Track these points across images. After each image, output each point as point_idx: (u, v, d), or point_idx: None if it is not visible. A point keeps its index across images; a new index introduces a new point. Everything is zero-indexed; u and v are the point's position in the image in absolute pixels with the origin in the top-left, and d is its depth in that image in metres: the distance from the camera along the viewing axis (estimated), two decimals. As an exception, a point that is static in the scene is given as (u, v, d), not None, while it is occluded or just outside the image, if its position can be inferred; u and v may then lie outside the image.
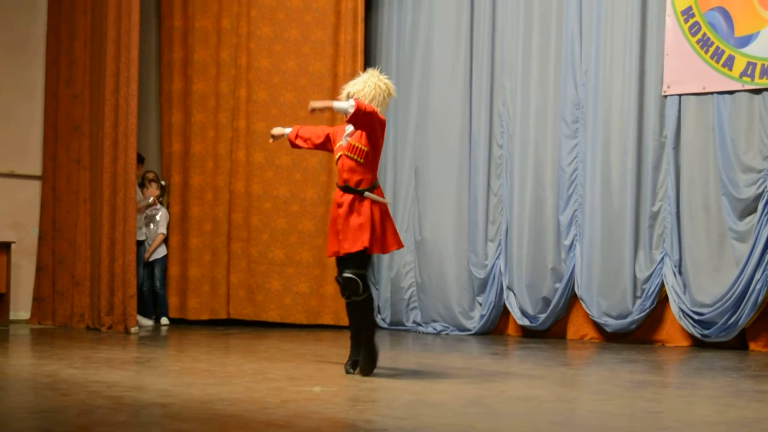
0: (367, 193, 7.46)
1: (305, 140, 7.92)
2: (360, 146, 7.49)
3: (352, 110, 7.26)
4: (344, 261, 7.48)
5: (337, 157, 7.63)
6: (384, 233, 7.50)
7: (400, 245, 7.61)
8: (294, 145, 8.01)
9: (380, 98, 7.59)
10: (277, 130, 8.08)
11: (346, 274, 7.39)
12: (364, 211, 7.44)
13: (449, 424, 5.58)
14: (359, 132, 7.52)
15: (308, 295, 12.30)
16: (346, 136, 7.61)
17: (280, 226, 12.39)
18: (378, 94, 7.57)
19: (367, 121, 7.37)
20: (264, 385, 6.93)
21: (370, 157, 7.53)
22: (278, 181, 12.41)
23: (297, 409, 5.94)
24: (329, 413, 5.83)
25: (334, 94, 12.44)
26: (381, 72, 7.73)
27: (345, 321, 12.18)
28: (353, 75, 12.37)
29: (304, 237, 12.35)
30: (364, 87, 7.56)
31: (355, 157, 7.49)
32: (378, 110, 7.51)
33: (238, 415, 5.61)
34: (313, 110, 7.46)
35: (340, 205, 7.52)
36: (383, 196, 7.61)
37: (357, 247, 7.39)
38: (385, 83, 7.65)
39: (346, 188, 7.52)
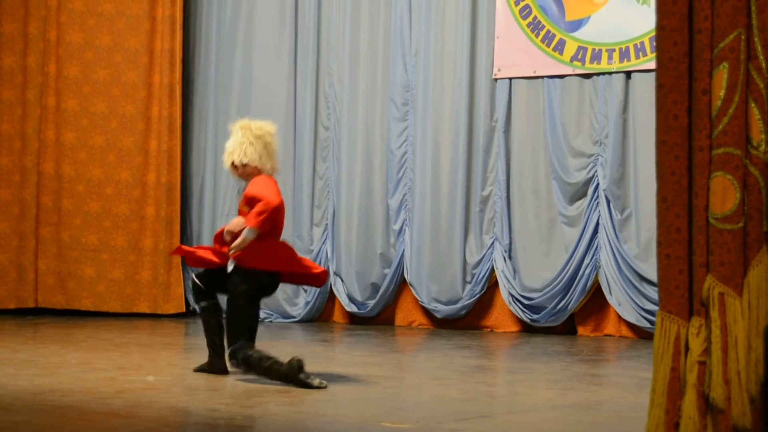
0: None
1: None
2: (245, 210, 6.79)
3: (256, 232, 6.63)
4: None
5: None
6: None
7: None
8: None
9: (259, 147, 6.84)
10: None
11: None
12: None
13: (297, 412, 5.45)
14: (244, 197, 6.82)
15: (123, 282, 11.80)
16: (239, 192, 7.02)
17: (93, 210, 11.83)
18: (254, 144, 6.83)
19: (268, 220, 6.68)
20: (93, 375, 6.60)
21: None
22: (92, 162, 11.84)
23: (135, 399, 5.66)
24: (169, 402, 5.58)
25: (150, 71, 12.00)
26: (251, 119, 7.06)
27: (163, 309, 11.86)
28: (171, 52, 12.05)
29: (119, 221, 11.83)
30: (237, 147, 6.83)
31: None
32: (258, 162, 6.83)
33: (74, 407, 5.30)
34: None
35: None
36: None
37: None
38: (256, 128, 6.92)
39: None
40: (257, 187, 6.75)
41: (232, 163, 6.88)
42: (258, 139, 6.87)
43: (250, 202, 6.71)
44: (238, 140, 6.89)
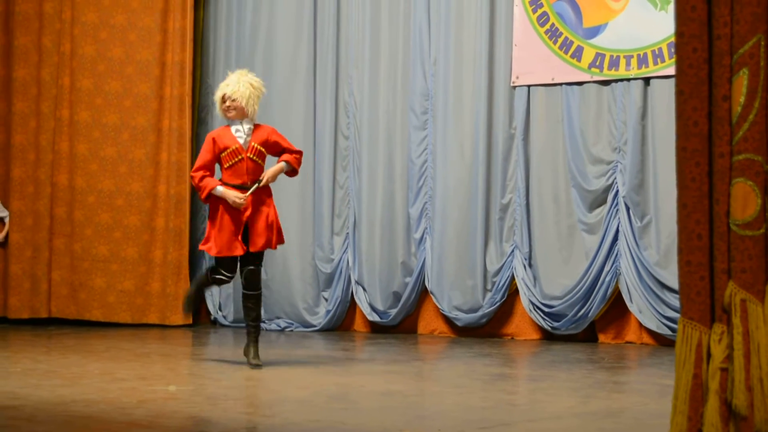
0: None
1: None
2: (263, 150, 7.83)
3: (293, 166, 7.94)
4: (254, 256, 7.75)
5: (237, 159, 7.74)
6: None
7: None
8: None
9: (255, 97, 7.77)
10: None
11: (253, 268, 7.76)
12: (273, 210, 7.79)
13: (318, 421, 5.44)
14: (260, 133, 7.83)
15: (133, 293, 11.77)
16: (247, 137, 7.77)
17: (104, 221, 11.81)
18: (252, 93, 7.73)
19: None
20: (115, 385, 6.59)
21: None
22: (103, 173, 11.83)
23: (157, 409, 5.64)
24: (191, 412, 5.56)
25: (161, 84, 11.99)
26: (249, 71, 8.04)
27: (171, 320, 11.82)
28: (181, 64, 12.05)
29: (129, 232, 11.81)
30: (239, 87, 7.70)
31: (260, 161, 7.81)
32: (255, 109, 7.79)
33: (96, 417, 5.29)
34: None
35: (246, 207, 7.69)
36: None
37: (279, 242, 7.84)
38: (257, 81, 7.87)
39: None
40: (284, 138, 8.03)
41: (223, 97, 7.71)
42: (254, 84, 7.81)
43: (276, 146, 7.86)
44: (237, 80, 7.79)
